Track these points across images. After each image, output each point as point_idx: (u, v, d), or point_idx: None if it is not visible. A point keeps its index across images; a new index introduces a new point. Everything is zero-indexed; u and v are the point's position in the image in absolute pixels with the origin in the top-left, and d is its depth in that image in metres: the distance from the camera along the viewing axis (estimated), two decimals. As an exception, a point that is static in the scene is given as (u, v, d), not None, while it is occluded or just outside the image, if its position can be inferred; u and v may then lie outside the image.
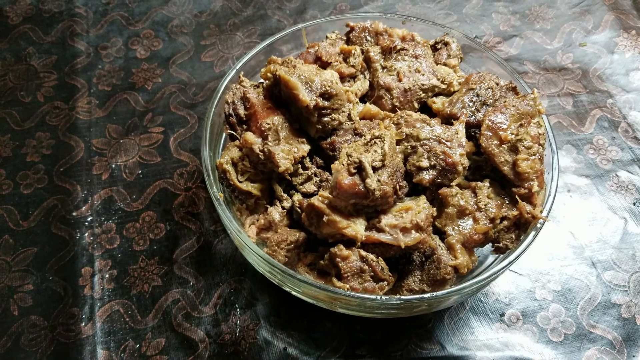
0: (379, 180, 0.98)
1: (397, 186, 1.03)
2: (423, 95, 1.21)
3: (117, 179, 1.40)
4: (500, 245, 1.05)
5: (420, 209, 1.02)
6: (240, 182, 1.15)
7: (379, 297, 0.94)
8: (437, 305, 1.04)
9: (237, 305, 1.20)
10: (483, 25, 1.74)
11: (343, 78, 1.21)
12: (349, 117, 1.16)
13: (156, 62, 1.63)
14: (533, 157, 1.08)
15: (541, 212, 1.03)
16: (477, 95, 1.18)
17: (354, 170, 0.99)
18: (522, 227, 1.06)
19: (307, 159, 1.16)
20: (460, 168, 1.06)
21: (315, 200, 1.01)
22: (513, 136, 1.09)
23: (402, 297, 0.95)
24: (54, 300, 1.21)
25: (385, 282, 0.99)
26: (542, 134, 1.12)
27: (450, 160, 1.06)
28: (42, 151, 1.45)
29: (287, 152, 1.11)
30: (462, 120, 1.14)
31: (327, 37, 1.34)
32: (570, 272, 1.25)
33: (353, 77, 1.25)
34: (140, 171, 1.41)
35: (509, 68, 1.29)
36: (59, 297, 1.21)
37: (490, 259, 1.12)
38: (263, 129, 1.12)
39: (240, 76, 1.24)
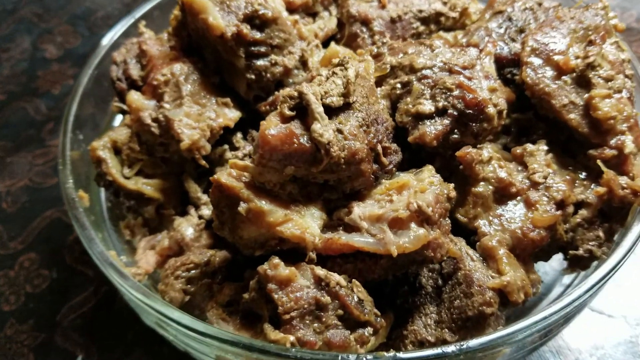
0: (339, 131, 0.52)
1: (379, 148, 0.56)
2: (422, 28, 0.82)
3: (-8, 210, 1.01)
4: (579, 252, 0.66)
5: (424, 186, 0.54)
6: (127, 177, 0.69)
7: (354, 358, 0.45)
8: (474, 369, 0.63)
9: (149, 392, 0.84)
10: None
11: (294, 10, 0.78)
12: (303, 63, 0.72)
13: (70, 62, 1.38)
14: (618, 95, 0.62)
15: (649, 183, 0.57)
16: (509, 19, 0.76)
17: (291, 113, 0.52)
18: (615, 216, 0.61)
19: (239, 135, 0.71)
20: (491, 110, 0.61)
21: (222, 176, 0.54)
22: (579, 61, 0.63)
23: (403, 354, 0.54)
24: None
25: (369, 329, 0.57)
26: (626, 59, 0.66)
27: (472, 97, 0.60)
28: None
29: (197, 117, 0.69)
30: (490, 51, 0.68)
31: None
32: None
33: (312, 14, 0.81)
34: (27, 198, 1.14)
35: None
36: None
37: (559, 288, 0.78)
38: (156, 83, 0.68)
39: (140, 27, 0.83)
